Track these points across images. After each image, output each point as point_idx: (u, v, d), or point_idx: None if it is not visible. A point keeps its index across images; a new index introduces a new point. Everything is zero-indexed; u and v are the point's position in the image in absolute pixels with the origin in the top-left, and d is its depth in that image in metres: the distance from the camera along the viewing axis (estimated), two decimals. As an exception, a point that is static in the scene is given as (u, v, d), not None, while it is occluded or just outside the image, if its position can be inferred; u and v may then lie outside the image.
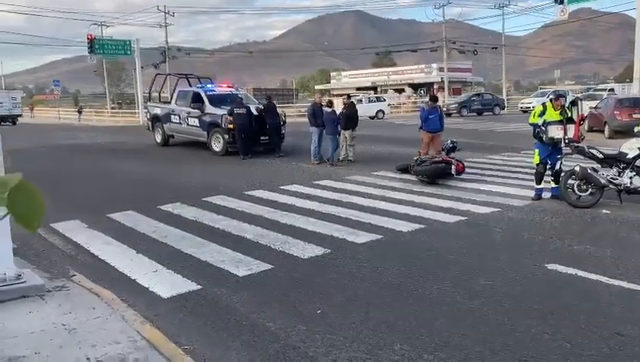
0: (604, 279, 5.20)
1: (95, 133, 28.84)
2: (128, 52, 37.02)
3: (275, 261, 5.98)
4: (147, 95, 23.79)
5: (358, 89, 57.83)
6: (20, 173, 0.59)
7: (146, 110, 22.45)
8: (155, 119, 19.14)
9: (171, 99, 18.75)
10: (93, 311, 4.37)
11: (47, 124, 40.14)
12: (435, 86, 55.21)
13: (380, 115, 37.16)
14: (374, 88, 59.27)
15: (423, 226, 7.38)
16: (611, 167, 8.30)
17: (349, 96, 16.73)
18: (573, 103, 8.94)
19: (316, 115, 14.04)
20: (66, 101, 71.45)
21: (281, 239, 6.83)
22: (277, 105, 17.06)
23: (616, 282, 5.11)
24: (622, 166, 8.18)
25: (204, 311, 4.70)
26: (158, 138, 19.02)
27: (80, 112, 46.72)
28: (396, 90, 57.28)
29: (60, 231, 7.47)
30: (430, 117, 12.22)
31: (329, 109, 13.97)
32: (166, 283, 5.34)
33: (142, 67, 39.36)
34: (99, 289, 4.97)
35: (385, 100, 40.52)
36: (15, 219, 0.55)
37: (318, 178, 11.38)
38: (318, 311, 4.61)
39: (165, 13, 49.28)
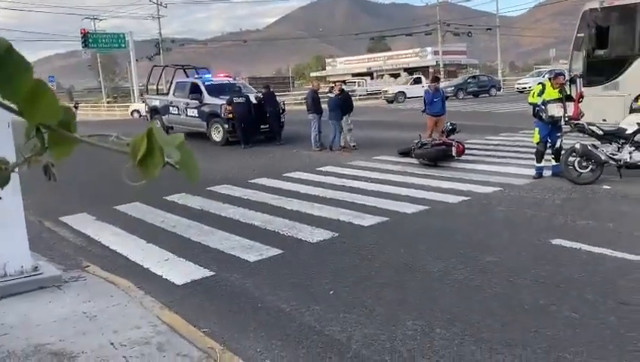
0: (607, 252, 5.32)
1: (92, 127, 28.84)
2: (122, 45, 36.89)
3: (284, 246, 6.08)
4: (144, 88, 23.73)
5: (354, 75, 57.71)
6: (182, 134, 0.69)
7: (143, 102, 22.40)
8: (154, 111, 19.15)
9: (169, 90, 18.75)
10: (111, 298, 4.48)
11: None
12: (431, 70, 55.10)
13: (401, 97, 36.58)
14: (370, 74, 59.16)
15: (427, 207, 7.49)
16: (611, 143, 8.40)
17: (344, 83, 16.61)
18: (572, 81, 9.03)
19: (315, 101, 14.06)
20: (60, 96, 70.96)
21: (289, 224, 6.93)
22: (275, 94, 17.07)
23: (620, 254, 5.23)
24: (621, 142, 8.28)
25: (218, 295, 4.81)
26: (157, 130, 19.01)
27: (76, 107, 46.57)
28: (392, 75, 57.18)
29: (69, 224, 7.56)
30: (435, 100, 12.21)
31: (332, 95, 13.88)
32: (179, 271, 5.45)
33: (136, 60, 39.21)
34: (114, 278, 5.07)
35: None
36: (183, 169, 0.65)
37: (321, 164, 11.46)
38: (331, 292, 4.72)
39: (158, 4, 48.97)
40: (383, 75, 57.93)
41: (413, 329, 3.93)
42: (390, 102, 36.21)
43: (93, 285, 4.86)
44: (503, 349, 3.59)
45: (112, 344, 3.65)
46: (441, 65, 51.15)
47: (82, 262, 5.79)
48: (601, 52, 13.05)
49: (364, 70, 60.48)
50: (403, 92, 37.45)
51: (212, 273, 5.34)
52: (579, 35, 13.54)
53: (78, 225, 7.54)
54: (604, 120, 11.63)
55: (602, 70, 12.85)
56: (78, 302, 4.43)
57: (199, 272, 5.38)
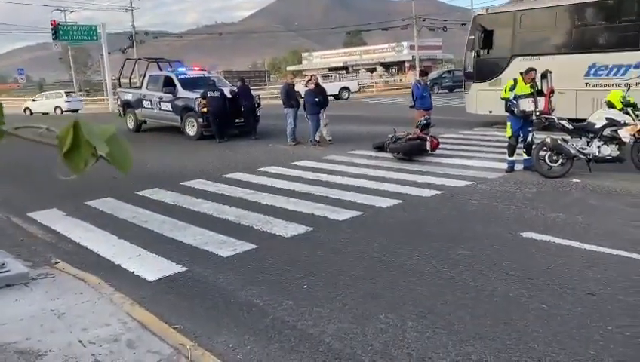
0: (576, 244, 5.43)
1: (65, 121, 28.19)
2: (94, 37, 36.05)
3: (258, 241, 6.05)
4: (117, 81, 23.30)
5: (331, 69, 57.66)
6: (114, 125, 0.66)
7: (116, 96, 22.01)
8: (127, 105, 18.83)
9: (142, 84, 18.45)
10: (80, 295, 4.40)
11: (12, 114, 39.02)
12: (407, 64, 55.44)
13: (345, 94, 35.70)
14: (346, 68, 59.19)
15: (401, 201, 7.53)
16: (580, 138, 8.57)
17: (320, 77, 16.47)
18: (543, 76, 9.15)
19: (290, 95, 13.99)
20: (30, 90, 69.41)
21: (263, 219, 6.90)
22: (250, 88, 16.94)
23: (588, 246, 5.34)
24: (590, 136, 8.45)
25: (191, 291, 4.76)
26: (131, 124, 18.73)
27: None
28: (368, 70, 57.34)
29: (38, 221, 7.40)
30: (424, 94, 12.18)
31: (306, 88, 13.76)
32: (151, 267, 5.38)
33: (109, 52, 38.46)
34: (84, 274, 4.98)
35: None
36: (112, 162, 0.62)
37: (296, 159, 11.43)
38: (304, 286, 4.71)
39: (131, -4, 48.04)
40: (359, 70, 58.02)
41: (386, 323, 3.95)
42: (337, 98, 34.99)
43: (62, 282, 4.76)
44: (474, 341, 3.63)
45: (80, 342, 3.59)
46: (417, 60, 51.43)
47: (51, 259, 5.67)
48: (487, 52, 14.83)
49: (341, 64, 60.46)
50: (347, 88, 36.71)
51: (184, 269, 5.29)
52: (470, 37, 15.28)
53: (48, 221, 7.38)
54: (491, 111, 14.14)
55: (488, 68, 14.61)
56: (46, 299, 4.34)
57: (171, 268, 5.32)
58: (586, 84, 12.70)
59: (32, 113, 37.31)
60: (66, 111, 35.91)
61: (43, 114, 36.07)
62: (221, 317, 4.20)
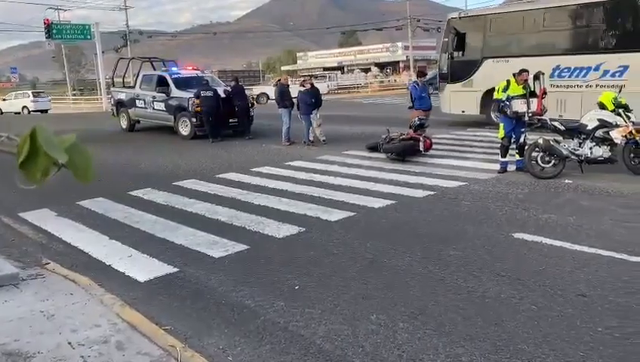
0: (567, 245, 5.44)
1: (57, 121, 28.09)
2: (88, 36, 35.91)
3: (250, 241, 6.04)
4: (110, 80, 23.21)
5: (325, 69, 57.68)
6: (74, 134, 0.65)
7: (109, 96, 21.93)
8: (120, 104, 18.76)
9: (135, 83, 18.38)
10: (70, 296, 4.37)
11: (5, 113, 38.79)
12: (401, 65, 55.53)
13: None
14: (341, 68, 59.24)
15: (393, 202, 7.53)
16: (572, 139, 8.60)
17: (312, 77, 16.37)
18: (536, 77, 9.18)
19: (284, 96, 13.97)
20: (23, 89, 69.06)
21: (255, 220, 6.89)
22: (244, 88, 16.91)
23: (579, 247, 5.36)
24: (582, 137, 8.48)
25: (182, 292, 4.74)
26: (124, 124, 18.67)
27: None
28: (363, 70, 57.37)
29: (29, 221, 7.35)
30: (423, 95, 12.11)
31: (302, 88, 13.70)
32: (142, 268, 5.36)
33: (103, 52, 38.30)
34: (75, 275, 4.95)
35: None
36: (73, 172, 0.61)
37: (290, 159, 11.41)
38: (296, 287, 4.71)
39: (124, -5, 47.90)
40: (353, 70, 58.06)
41: (377, 324, 3.95)
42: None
43: (53, 283, 4.73)
44: (464, 342, 3.63)
45: (69, 343, 3.56)
46: (412, 61, 51.50)
47: (42, 260, 5.63)
48: (460, 54, 15.45)
49: (335, 64, 60.48)
50: (265, 93, 35.71)
51: (176, 269, 5.27)
52: (445, 39, 16.02)
53: (39, 221, 7.33)
54: (463, 111, 15.44)
55: (461, 70, 15.19)
56: (35, 300, 4.31)
57: (163, 269, 5.30)
58: (551, 85, 12.92)
59: (2, 112, 37.36)
60: (34, 111, 35.94)
61: (15, 113, 36.06)
62: (212, 318, 4.19)
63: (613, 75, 12.23)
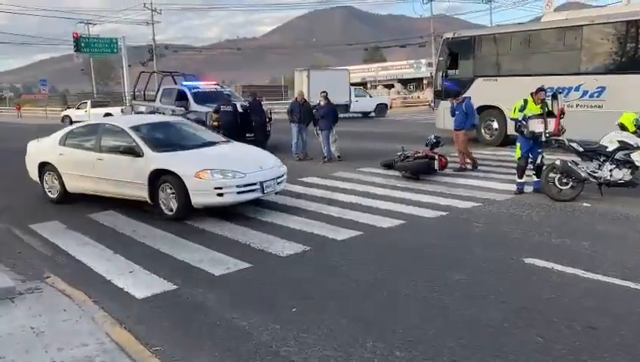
0: (580, 272, 5.21)
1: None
2: (115, 50, 36.76)
3: (253, 259, 5.94)
4: (132, 93, 23.58)
5: (350, 85, 57.67)
6: None
7: (131, 108, 22.22)
8: (141, 118, 18.96)
9: (156, 97, 18.60)
10: (63, 313, 4.32)
11: (34, 124, 39.70)
12: (425, 81, 55.28)
13: None
14: (364, 84, 59.25)
15: (403, 222, 7.37)
16: (591, 160, 8.33)
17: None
18: (554, 97, 8.95)
19: (294, 111, 13.99)
20: (54, 100, 70.81)
21: (262, 237, 6.79)
22: (263, 102, 16.93)
23: (592, 275, 5.12)
24: (602, 159, 8.20)
25: (177, 311, 4.66)
26: (144, 137, 18.83)
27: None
28: (386, 86, 57.32)
29: (38, 233, 7.40)
30: (457, 112, 11.68)
31: (323, 103, 13.59)
32: (141, 284, 5.30)
33: (129, 65, 39.06)
34: (71, 290, 4.91)
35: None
36: None
37: (304, 175, 11.31)
38: (294, 310, 4.58)
39: (152, 10, 48.95)
40: (377, 86, 58.05)
41: (372, 352, 3.80)
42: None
43: (48, 298, 4.69)
44: (461, 375, 3.46)
45: (54, 362, 3.50)
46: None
47: (44, 273, 5.63)
48: (453, 73, 16.10)
49: (359, 80, 60.54)
50: (68, 116, 33.90)
51: (175, 286, 5.20)
52: (440, 58, 16.70)
53: (48, 233, 7.37)
54: None
55: (454, 88, 15.20)
56: (28, 316, 4.27)
57: (162, 286, 5.24)
58: None
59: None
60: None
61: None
62: (203, 339, 4.09)
63: (591, 96, 12.76)
